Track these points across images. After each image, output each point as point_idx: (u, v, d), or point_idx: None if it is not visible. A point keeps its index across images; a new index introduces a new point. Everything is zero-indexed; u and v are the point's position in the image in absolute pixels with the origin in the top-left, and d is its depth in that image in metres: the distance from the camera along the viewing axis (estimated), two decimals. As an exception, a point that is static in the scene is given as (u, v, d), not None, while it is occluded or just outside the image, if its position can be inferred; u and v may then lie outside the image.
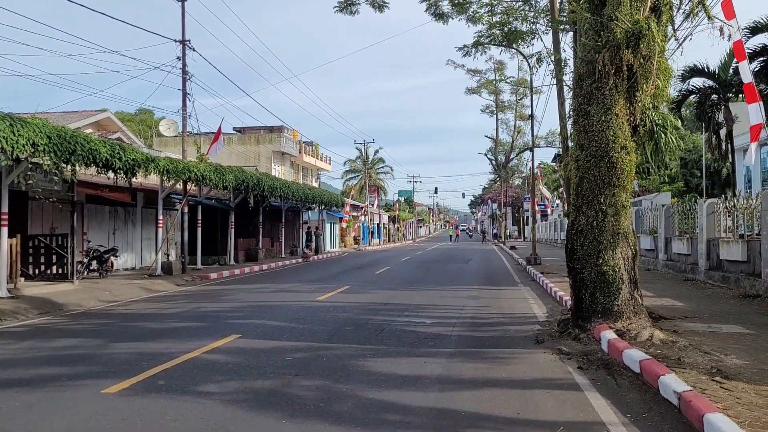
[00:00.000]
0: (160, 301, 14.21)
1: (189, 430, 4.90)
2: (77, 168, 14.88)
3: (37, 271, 16.50)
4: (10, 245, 13.71)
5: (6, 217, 13.36)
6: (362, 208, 61.71)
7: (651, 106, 8.97)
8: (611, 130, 8.37)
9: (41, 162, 13.43)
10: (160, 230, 20.91)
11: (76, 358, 7.76)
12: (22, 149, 12.20)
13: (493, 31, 19.08)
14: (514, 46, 21.03)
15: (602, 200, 8.41)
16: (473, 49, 20.18)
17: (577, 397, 5.85)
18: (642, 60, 8.32)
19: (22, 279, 14.75)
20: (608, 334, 7.68)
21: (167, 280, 18.70)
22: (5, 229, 13.29)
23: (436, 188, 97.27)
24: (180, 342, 8.63)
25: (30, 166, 13.65)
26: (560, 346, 8.00)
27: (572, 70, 11.42)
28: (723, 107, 22.36)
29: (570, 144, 10.79)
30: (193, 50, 24.71)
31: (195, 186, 22.06)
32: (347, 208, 48.03)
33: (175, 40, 24.38)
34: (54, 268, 16.55)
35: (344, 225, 52.76)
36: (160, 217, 20.81)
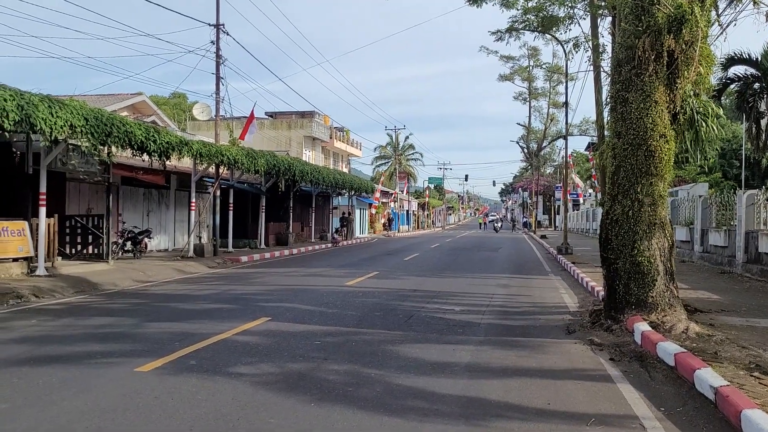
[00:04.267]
0: (192, 283, 14.42)
1: (220, 410, 4.95)
2: (113, 150, 15.12)
3: (73, 251, 16.87)
4: (48, 225, 14.01)
5: (44, 197, 13.66)
6: (392, 194, 61.63)
7: (692, 93, 8.74)
8: (650, 117, 8.17)
9: (79, 143, 13.68)
10: (192, 213, 21.17)
11: (111, 337, 7.91)
12: (60, 131, 12.42)
13: (528, 16, 18.77)
14: (550, 32, 20.66)
15: (639, 189, 8.23)
16: (507, 35, 19.91)
17: (609, 389, 5.76)
18: (684, 46, 8.09)
19: (59, 258, 15.08)
20: (642, 326, 7.54)
21: (199, 262, 18.96)
22: (43, 209, 13.59)
23: (466, 176, 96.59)
24: (211, 323, 8.74)
25: (68, 147, 13.90)
26: (592, 337, 7.89)
27: (610, 55, 11.18)
28: (765, 96, 21.69)
29: (606, 132, 10.57)
30: (227, 34, 24.82)
31: (227, 170, 22.25)
32: (377, 194, 48.00)
33: (210, 24, 24.49)
34: (90, 248, 16.90)
35: (374, 211, 52.80)
36: (193, 200, 21.06)
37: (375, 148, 79.23)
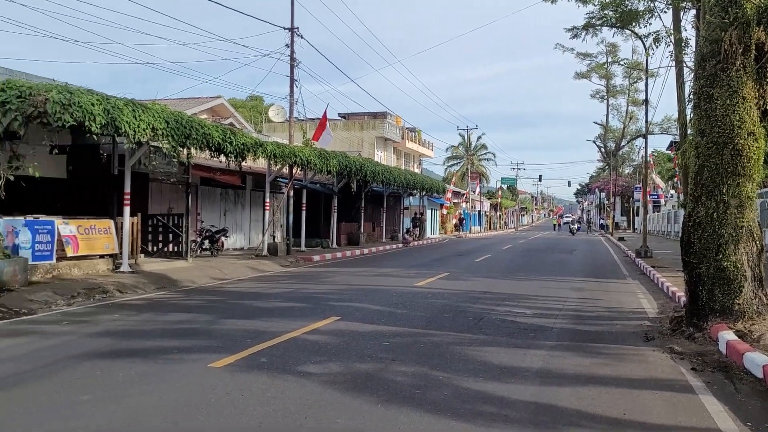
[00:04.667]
0: (265, 281, 14.75)
1: (288, 408, 5.01)
2: (192, 151, 15.66)
3: (155, 248, 17.59)
4: (132, 223, 14.67)
5: (128, 197, 14.31)
6: (464, 194, 61.16)
7: (785, 88, 8.19)
8: (737, 114, 7.72)
9: (160, 145, 14.25)
10: (266, 212, 21.68)
11: (187, 332, 8.19)
12: (143, 133, 12.97)
13: (606, 12, 18.17)
14: (629, 27, 19.91)
15: (724, 191, 7.79)
16: (583, 31, 19.34)
17: (690, 400, 5.47)
18: (775, 38, 7.60)
19: (142, 255, 15.76)
20: (727, 335, 7.13)
21: (273, 260, 19.39)
22: (128, 208, 14.24)
23: (540, 176, 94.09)
24: (283, 321, 8.90)
25: (150, 149, 14.51)
26: (672, 345, 7.53)
27: (694, 50, 10.66)
28: None
29: (689, 130, 10.07)
30: (301, 37, 25.27)
31: (300, 170, 22.65)
32: (448, 195, 47.74)
33: (284, 28, 25.03)
34: (170, 246, 17.57)
35: (445, 211, 52.52)
36: (267, 200, 21.56)
37: (447, 149, 78.87)
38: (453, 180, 59.78)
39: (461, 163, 75.02)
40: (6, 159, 11.16)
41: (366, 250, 26.48)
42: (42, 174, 11.90)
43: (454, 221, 56.12)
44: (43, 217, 12.56)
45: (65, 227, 12.84)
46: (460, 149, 76.61)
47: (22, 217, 12.11)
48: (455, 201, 55.50)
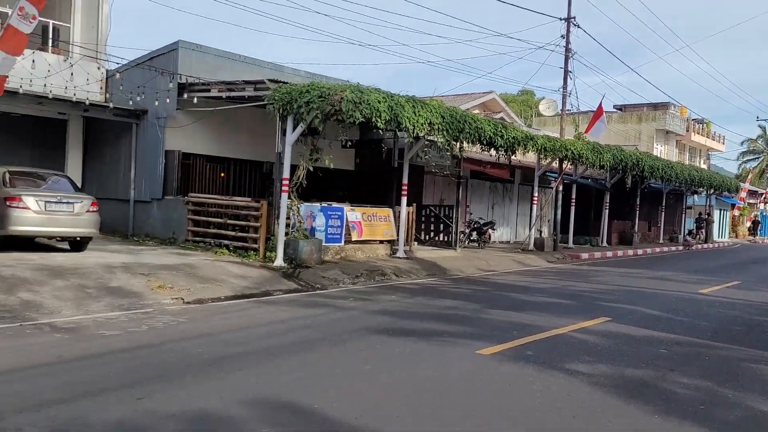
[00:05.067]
0: (531, 275, 14.65)
1: (554, 404, 4.93)
2: (464, 145, 16.19)
3: (426, 237, 18.62)
4: (408, 213, 15.72)
5: (406, 188, 15.35)
6: (762, 194, 53.30)
7: None
8: None
9: (435, 139, 14.99)
10: (534, 207, 21.45)
11: (456, 318, 8.52)
12: (421, 128, 13.75)
13: None
14: None
15: None
16: None
17: None
18: None
19: (415, 243, 16.79)
20: None
21: (538, 255, 19.15)
22: (404, 199, 15.28)
23: None
24: (548, 317, 8.76)
25: (426, 143, 15.36)
26: None
27: None
28: None
29: None
30: (578, 27, 24.45)
31: (570, 164, 21.96)
32: (742, 194, 42.01)
33: (560, 18, 24.45)
34: (440, 235, 18.45)
35: (737, 213, 46.44)
36: (535, 194, 21.30)
37: (742, 142, 69.24)
38: (749, 177, 52.35)
39: (760, 159, 65.48)
40: (308, 152, 12.75)
41: (639, 251, 24.70)
42: (334, 166, 13.33)
43: (747, 224, 49.33)
44: (334, 204, 14.14)
45: (352, 214, 14.28)
46: (759, 142, 66.88)
47: (318, 204, 13.77)
48: (750, 201, 48.68)
